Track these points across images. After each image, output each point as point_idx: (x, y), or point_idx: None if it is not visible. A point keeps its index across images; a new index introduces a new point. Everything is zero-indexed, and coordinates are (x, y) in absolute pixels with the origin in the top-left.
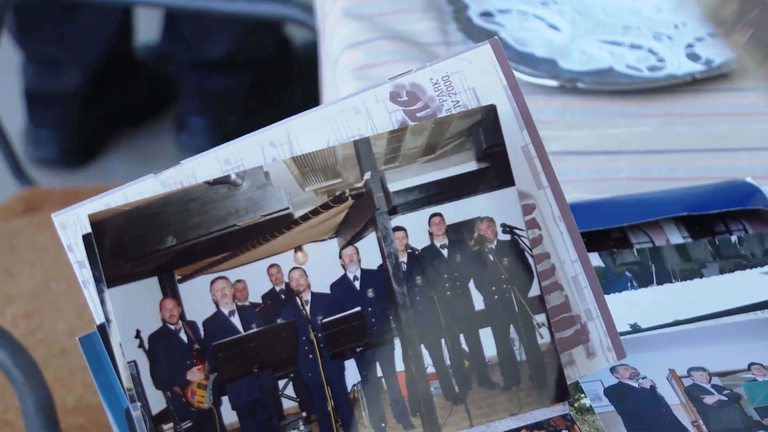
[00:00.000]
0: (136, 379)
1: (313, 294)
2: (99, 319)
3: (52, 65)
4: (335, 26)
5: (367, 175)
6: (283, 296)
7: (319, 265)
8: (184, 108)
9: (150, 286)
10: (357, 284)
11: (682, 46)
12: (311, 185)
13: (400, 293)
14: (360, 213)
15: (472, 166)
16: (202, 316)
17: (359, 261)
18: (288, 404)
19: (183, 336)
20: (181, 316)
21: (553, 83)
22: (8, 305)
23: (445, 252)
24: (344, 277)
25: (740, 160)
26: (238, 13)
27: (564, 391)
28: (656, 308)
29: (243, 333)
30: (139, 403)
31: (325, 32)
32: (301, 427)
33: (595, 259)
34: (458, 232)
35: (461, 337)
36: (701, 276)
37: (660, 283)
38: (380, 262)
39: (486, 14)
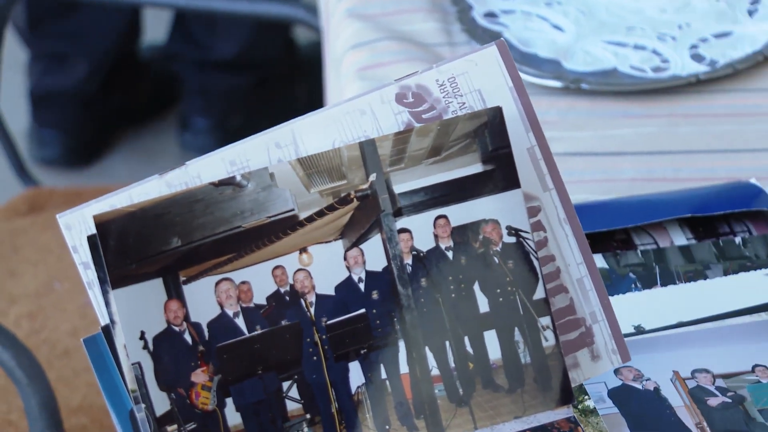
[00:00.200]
0: (140, 380)
1: (317, 296)
2: (103, 320)
3: (58, 60)
4: (339, 26)
5: (373, 177)
6: (287, 298)
7: (324, 266)
8: (187, 108)
9: (155, 288)
10: (362, 286)
11: (686, 46)
12: (316, 187)
13: (404, 295)
14: (365, 215)
15: (477, 168)
16: (206, 318)
17: (364, 263)
18: (292, 406)
19: (187, 337)
20: (186, 318)
21: (557, 84)
22: (12, 305)
23: (450, 254)
24: (349, 278)
25: (744, 161)
26: (241, 13)
27: (568, 394)
28: (660, 310)
29: (247, 334)
30: (143, 405)
31: (329, 32)
32: (305, 429)
33: (599, 261)
34: (463, 234)
35: (466, 339)
36: (705, 277)
37: (664, 284)
38: (385, 263)
39: (490, 15)
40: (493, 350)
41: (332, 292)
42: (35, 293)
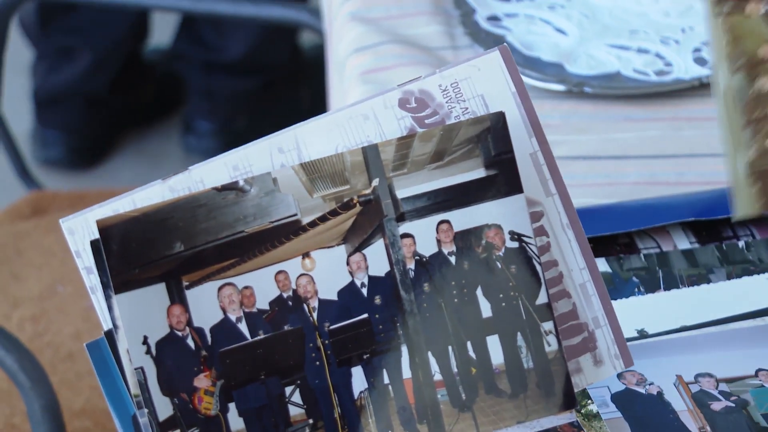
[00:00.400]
0: (143, 385)
1: (320, 301)
2: (106, 325)
3: (64, 54)
4: (342, 30)
5: (376, 182)
6: (290, 303)
7: (327, 271)
8: (192, 110)
9: (157, 293)
10: (364, 291)
11: (690, 50)
12: (319, 192)
13: (407, 300)
14: (368, 220)
15: (480, 173)
16: (209, 323)
17: (367, 268)
18: (295, 411)
19: (190, 342)
20: (189, 323)
21: (560, 87)
22: (15, 308)
23: (452, 259)
24: (352, 283)
25: None
26: (245, 17)
27: (571, 399)
28: (663, 314)
29: (250, 339)
30: (146, 410)
31: (332, 36)
32: None
33: (602, 265)
34: (466, 239)
35: (468, 344)
36: (708, 281)
37: (667, 288)
38: (388, 269)
39: (493, 18)
40: (496, 355)
41: (335, 297)
42: (38, 296)
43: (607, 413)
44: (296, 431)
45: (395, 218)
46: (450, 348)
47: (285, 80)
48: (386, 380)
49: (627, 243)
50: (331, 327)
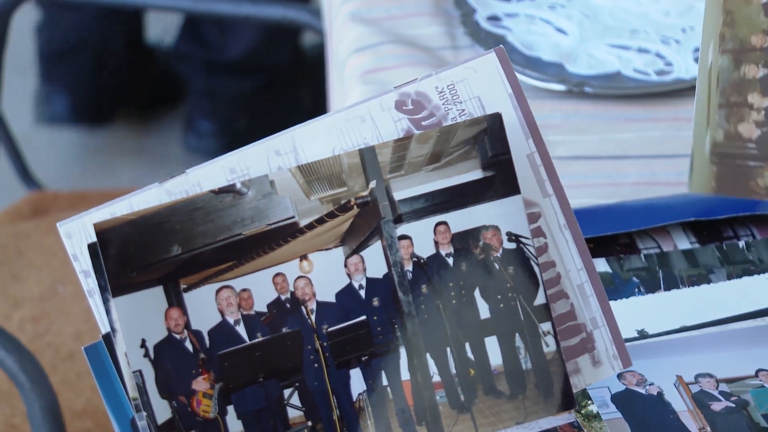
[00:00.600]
0: (141, 388)
1: (318, 303)
2: (104, 328)
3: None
4: (342, 30)
5: (373, 184)
6: (288, 305)
7: (325, 273)
8: (193, 110)
9: (155, 296)
10: (362, 293)
11: (690, 50)
12: (316, 194)
13: (405, 302)
14: (365, 222)
15: (477, 174)
16: (207, 326)
17: (365, 270)
18: (293, 413)
19: (188, 345)
20: (187, 326)
21: (561, 87)
22: (15, 309)
23: (450, 260)
24: (349, 285)
25: None
26: (245, 16)
27: (570, 400)
28: (663, 314)
29: (248, 342)
30: (144, 413)
31: (332, 36)
32: None
33: (603, 265)
34: (464, 240)
35: (467, 345)
36: (709, 282)
37: (667, 288)
38: (386, 270)
39: (493, 18)
40: (495, 356)
41: (333, 299)
42: (39, 297)
43: (607, 414)
44: None
45: (393, 220)
46: (448, 349)
47: (286, 80)
48: (385, 382)
49: (627, 243)
50: (330, 329)
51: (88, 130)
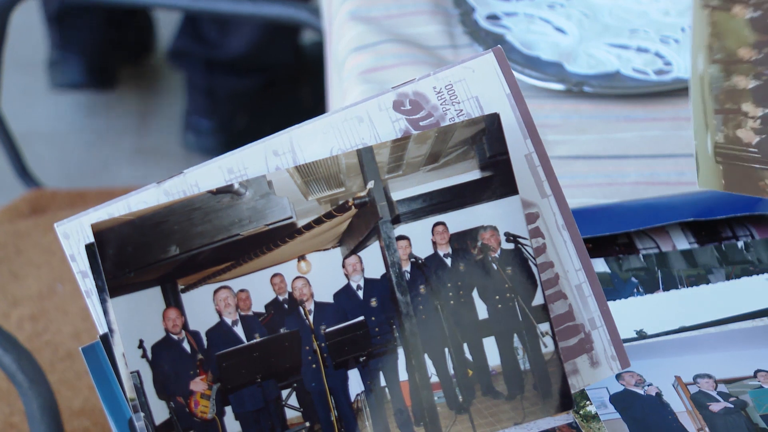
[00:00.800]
0: (139, 389)
1: (316, 303)
2: (102, 328)
3: None
4: (342, 29)
5: (371, 184)
6: (286, 306)
7: (323, 274)
8: (192, 108)
9: (153, 296)
10: (360, 293)
11: (689, 49)
12: (314, 194)
13: (403, 302)
14: (363, 222)
15: (475, 174)
16: (205, 326)
17: (362, 270)
18: (291, 414)
19: (186, 346)
20: (185, 326)
21: (560, 87)
22: (14, 307)
23: (448, 261)
24: (347, 286)
25: None
26: (244, 15)
27: (568, 401)
28: (662, 314)
29: (246, 343)
30: (142, 414)
31: (332, 35)
32: None
33: (602, 265)
34: (462, 241)
35: (465, 346)
36: (708, 282)
37: (666, 289)
38: (383, 271)
39: (492, 17)
40: (493, 357)
41: (331, 300)
42: (38, 295)
43: (606, 414)
44: None
45: (391, 220)
46: (446, 350)
47: (286, 79)
48: (383, 383)
49: (626, 243)
50: (328, 330)
51: (89, 116)
